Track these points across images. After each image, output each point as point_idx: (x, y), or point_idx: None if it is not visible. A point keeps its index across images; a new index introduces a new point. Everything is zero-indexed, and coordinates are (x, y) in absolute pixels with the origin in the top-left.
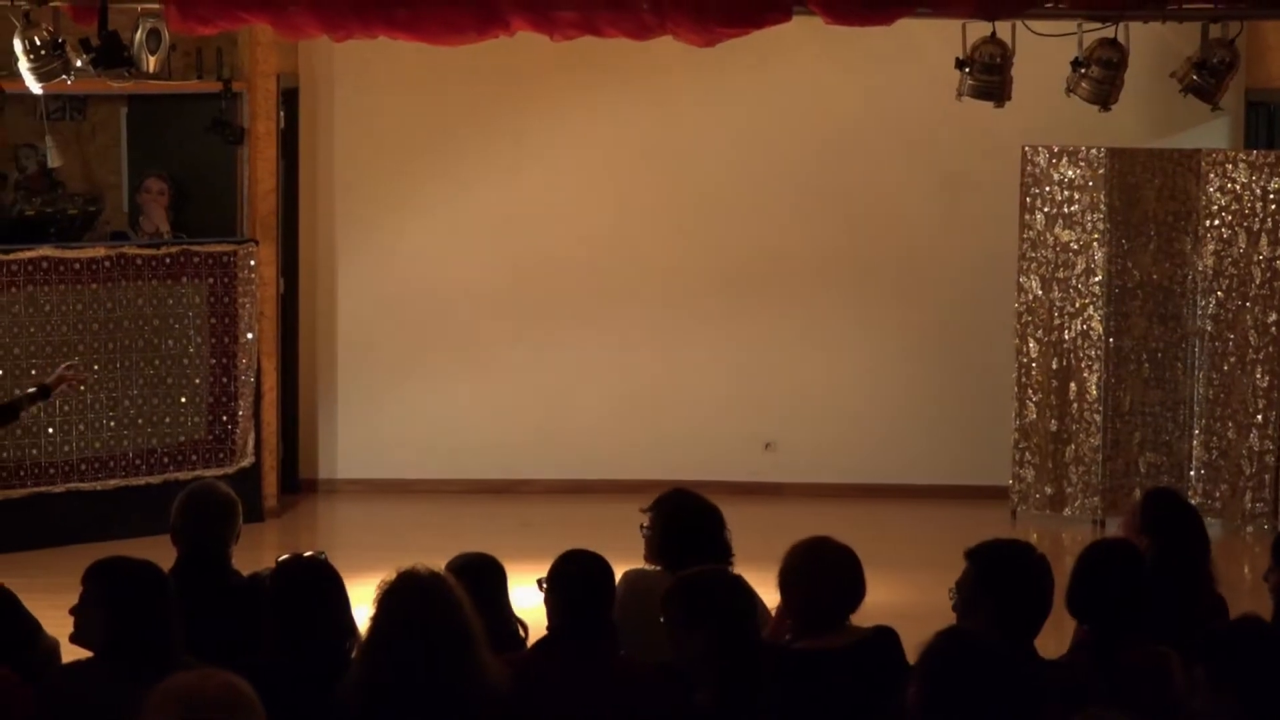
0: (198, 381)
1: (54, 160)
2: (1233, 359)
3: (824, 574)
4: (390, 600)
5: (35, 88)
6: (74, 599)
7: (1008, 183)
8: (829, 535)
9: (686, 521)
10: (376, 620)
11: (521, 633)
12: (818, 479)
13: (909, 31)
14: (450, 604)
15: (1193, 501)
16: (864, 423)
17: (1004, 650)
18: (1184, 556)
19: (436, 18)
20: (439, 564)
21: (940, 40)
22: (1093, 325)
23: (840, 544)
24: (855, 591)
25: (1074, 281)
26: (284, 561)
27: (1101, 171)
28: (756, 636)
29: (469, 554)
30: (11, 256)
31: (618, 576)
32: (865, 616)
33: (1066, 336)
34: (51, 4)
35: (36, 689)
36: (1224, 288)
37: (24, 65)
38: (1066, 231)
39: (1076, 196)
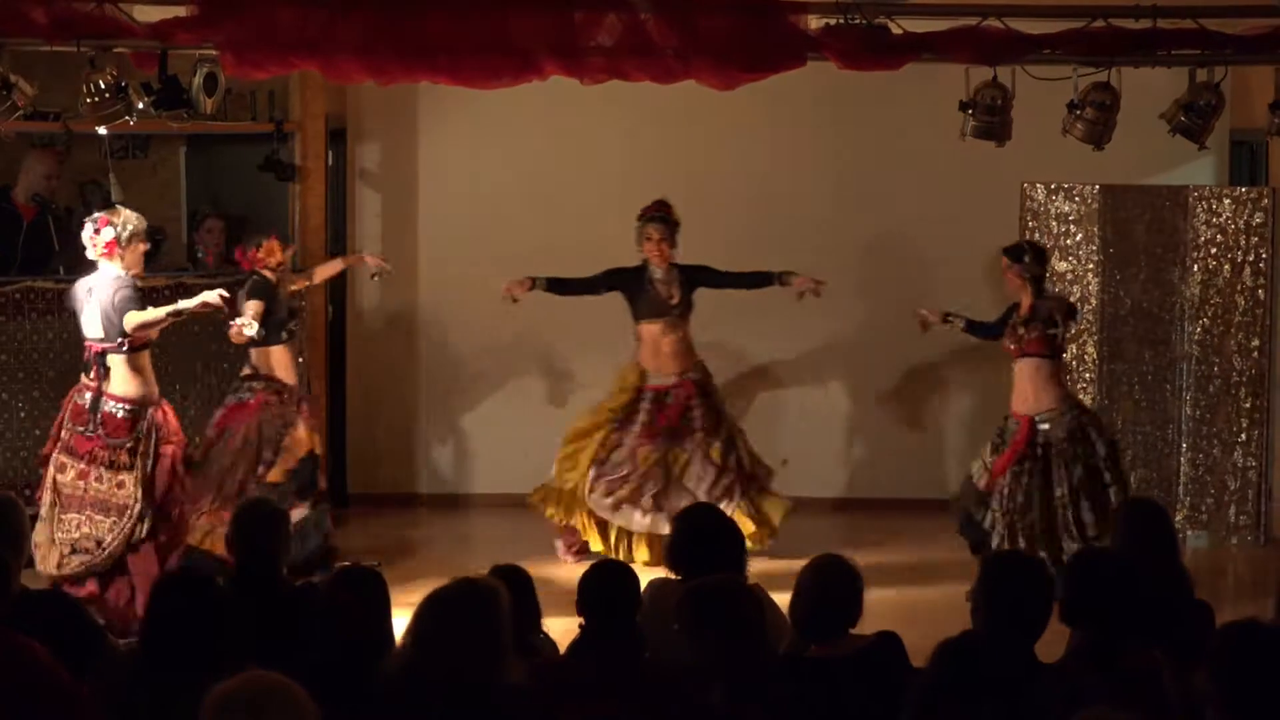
0: None
1: (117, 196)
2: (1218, 381)
3: (824, 589)
4: (450, 602)
5: (99, 128)
6: None
7: (1007, 217)
8: (837, 553)
9: (703, 534)
10: (431, 616)
11: (545, 637)
12: (832, 494)
13: (917, 76)
14: (497, 612)
15: (1180, 515)
16: (876, 440)
17: (1004, 655)
18: (1152, 561)
19: (475, 63)
20: (470, 569)
21: (945, 84)
22: (1087, 350)
23: (844, 562)
24: (853, 605)
25: None
26: (343, 569)
27: (1095, 206)
28: (761, 642)
29: (500, 566)
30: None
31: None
32: (881, 619)
33: (1063, 359)
34: (115, 50)
35: (93, 686)
36: (1210, 315)
37: (89, 107)
38: (1063, 262)
39: (1072, 230)
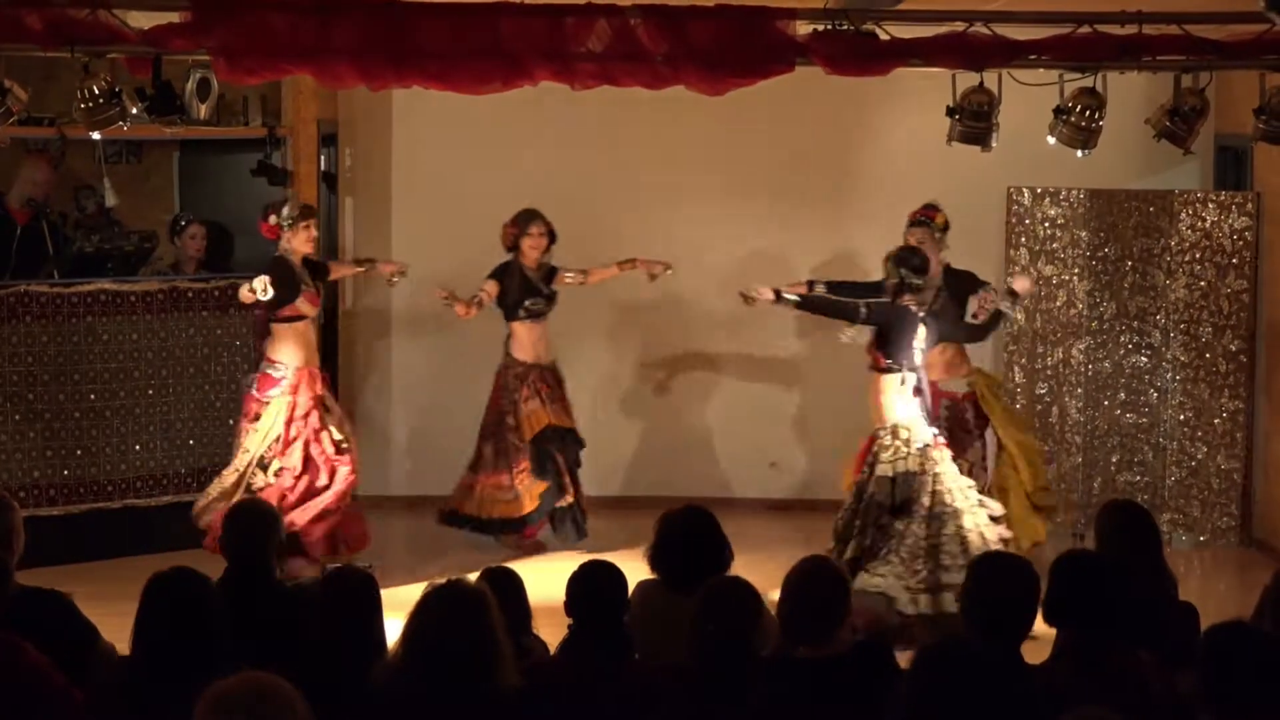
0: None
1: (111, 201)
2: (1203, 384)
3: (811, 591)
4: (435, 605)
5: (93, 133)
6: (127, 607)
7: (994, 221)
8: (824, 556)
9: (685, 536)
10: (420, 620)
11: (535, 638)
12: (818, 496)
13: (905, 81)
14: (484, 614)
15: (1166, 517)
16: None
17: (991, 655)
18: (1134, 563)
19: (466, 69)
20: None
21: (932, 89)
22: (1074, 353)
23: (830, 563)
24: (840, 607)
25: (1056, 313)
26: (335, 570)
27: (1081, 210)
28: (753, 642)
29: (491, 567)
30: (72, 290)
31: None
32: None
33: (1049, 364)
34: (109, 56)
35: (88, 687)
36: (1194, 318)
37: (83, 112)
38: (1049, 266)
39: (1058, 234)
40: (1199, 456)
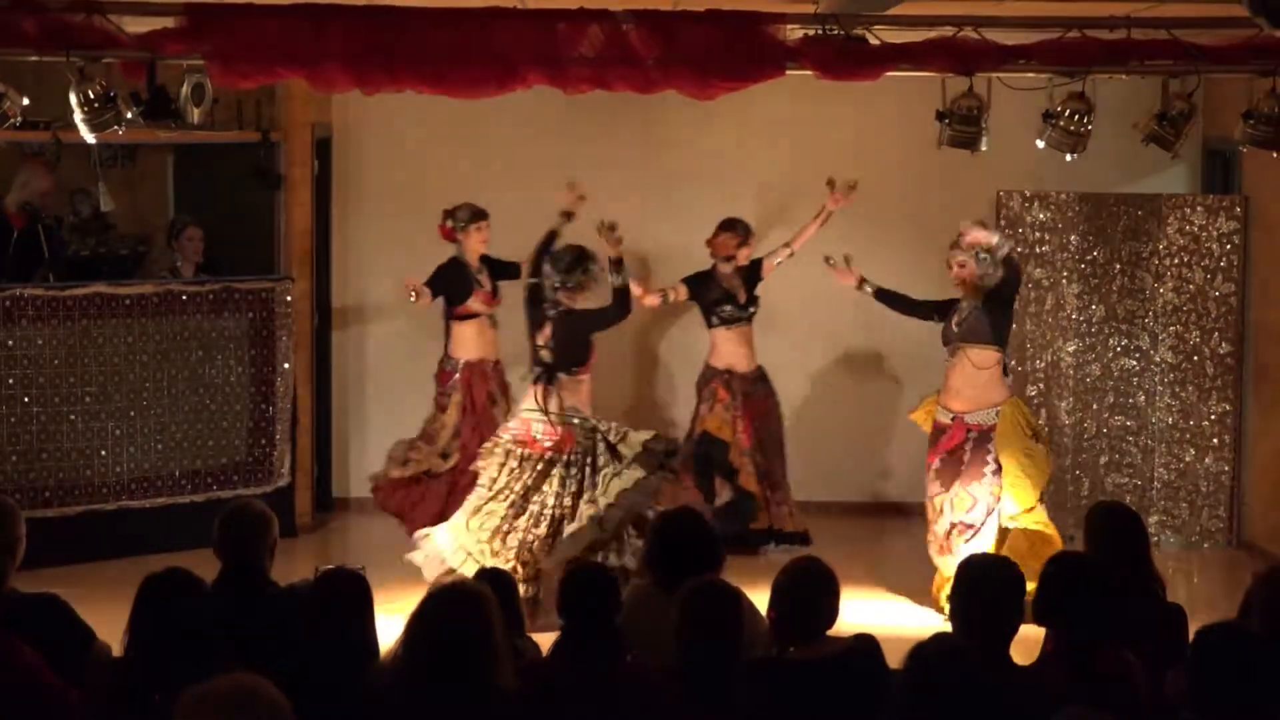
0: (238, 408)
1: (106, 205)
2: (1191, 387)
3: (801, 592)
4: (439, 605)
5: (89, 137)
6: (122, 609)
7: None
8: (815, 556)
9: (680, 539)
10: (423, 620)
11: (528, 640)
12: (811, 497)
13: (895, 86)
14: (486, 616)
15: (1154, 518)
16: (856, 444)
17: (980, 655)
18: (1122, 564)
19: (460, 74)
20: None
21: (923, 94)
22: (1063, 356)
23: (821, 565)
24: (831, 608)
25: (1045, 316)
26: (327, 571)
27: (1070, 214)
28: (737, 643)
29: (485, 569)
30: (67, 293)
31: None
32: (863, 622)
33: (1039, 366)
34: (104, 60)
35: (85, 688)
36: (1183, 321)
37: (79, 117)
38: (1038, 270)
39: (1047, 237)
40: (1187, 458)
